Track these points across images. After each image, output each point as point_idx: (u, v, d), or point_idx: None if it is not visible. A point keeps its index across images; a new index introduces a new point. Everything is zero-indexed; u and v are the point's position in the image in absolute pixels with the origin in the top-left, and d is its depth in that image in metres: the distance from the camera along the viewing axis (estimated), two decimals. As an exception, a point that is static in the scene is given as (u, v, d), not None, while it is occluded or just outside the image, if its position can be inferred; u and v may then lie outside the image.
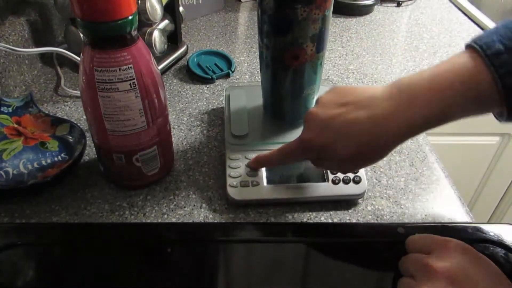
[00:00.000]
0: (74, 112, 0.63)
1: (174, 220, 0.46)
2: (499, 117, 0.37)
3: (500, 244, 0.42)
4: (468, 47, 0.36)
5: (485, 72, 0.33)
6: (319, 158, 0.42)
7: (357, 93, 0.40)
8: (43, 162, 0.51)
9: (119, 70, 0.40)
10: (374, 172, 0.53)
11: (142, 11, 0.64)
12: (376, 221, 0.47)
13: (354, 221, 0.47)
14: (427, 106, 0.35)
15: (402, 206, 0.49)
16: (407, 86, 0.37)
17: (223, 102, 0.65)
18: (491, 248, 0.42)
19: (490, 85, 0.33)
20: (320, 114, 0.40)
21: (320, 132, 0.40)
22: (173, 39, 0.77)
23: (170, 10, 0.74)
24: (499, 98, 0.34)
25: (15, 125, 0.55)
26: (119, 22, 0.38)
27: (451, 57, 0.36)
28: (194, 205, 0.48)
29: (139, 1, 0.64)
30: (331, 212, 0.48)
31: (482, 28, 0.95)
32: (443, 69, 0.36)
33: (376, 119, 0.37)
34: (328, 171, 0.49)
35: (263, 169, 0.49)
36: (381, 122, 0.37)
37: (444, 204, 0.50)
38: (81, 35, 0.63)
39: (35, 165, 0.51)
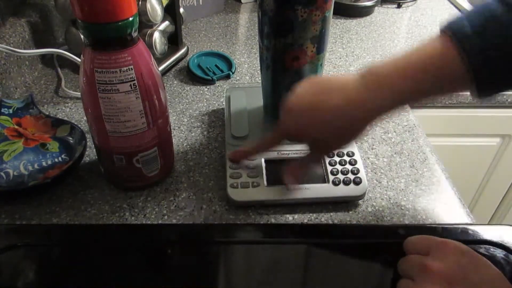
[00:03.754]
0: (75, 113, 0.63)
1: (174, 221, 0.46)
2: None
3: (501, 245, 0.42)
4: (441, 32, 0.38)
5: (455, 53, 0.35)
6: (297, 140, 0.45)
7: (331, 81, 0.41)
8: (44, 163, 0.51)
9: (120, 71, 0.40)
10: (375, 173, 0.53)
11: (142, 13, 0.65)
12: (376, 222, 0.47)
13: (354, 222, 0.47)
14: (399, 85, 0.37)
15: (403, 208, 0.49)
16: (379, 67, 0.38)
17: (224, 103, 0.65)
18: (492, 250, 0.42)
19: (459, 64, 0.35)
20: (295, 104, 0.42)
21: (296, 122, 0.42)
22: (174, 40, 0.77)
23: (170, 11, 0.74)
24: (466, 76, 0.35)
25: (16, 126, 0.55)
26: (120, 23, 0.38)
27: (423, 41, 0.38)
28: (194, 206, 0.48)
29: (140, 3, 0.64)
30: (332, 213, 0.48)
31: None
32: (415, 51, 0.38)
33: (349, 101, 0.39)
34: (329, 172, 0.49)
35: (264, 170, 0.49)
36: (355, 103, 0.38)
37: (445, 206, 0.50)
38: (82, 36, 0.63)
39: (36, 166, 0.51)
